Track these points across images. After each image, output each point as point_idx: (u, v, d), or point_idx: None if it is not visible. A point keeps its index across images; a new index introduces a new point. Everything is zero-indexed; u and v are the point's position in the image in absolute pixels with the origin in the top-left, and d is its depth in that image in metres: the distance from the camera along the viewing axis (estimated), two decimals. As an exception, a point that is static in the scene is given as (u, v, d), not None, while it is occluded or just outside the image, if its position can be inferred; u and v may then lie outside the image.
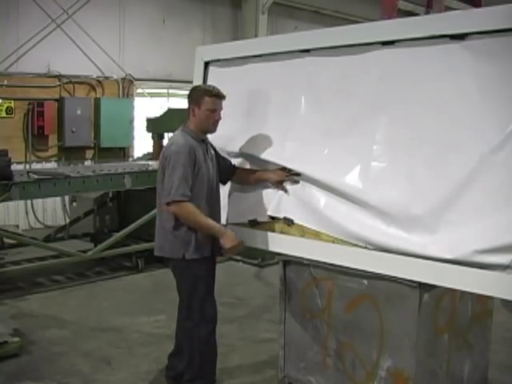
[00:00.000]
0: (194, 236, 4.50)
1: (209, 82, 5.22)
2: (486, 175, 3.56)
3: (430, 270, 3.76)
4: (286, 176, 4.64)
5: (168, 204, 4.40)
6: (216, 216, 4.73)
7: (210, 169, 4.66)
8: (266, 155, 4.80)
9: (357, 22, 4.93)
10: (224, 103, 4.60)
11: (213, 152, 4.81)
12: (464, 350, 4.55)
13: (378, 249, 4.05)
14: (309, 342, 4.63)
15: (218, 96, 4.57)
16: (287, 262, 4.71)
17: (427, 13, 8.35)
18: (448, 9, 8.31)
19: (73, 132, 12.31)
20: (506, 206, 3.47)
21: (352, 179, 4.19)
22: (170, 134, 11.10)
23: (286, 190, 4.66)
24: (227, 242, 4.49)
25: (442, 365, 4.31)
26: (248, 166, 5.00)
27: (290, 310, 4.78)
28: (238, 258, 9.25)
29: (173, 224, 4.50)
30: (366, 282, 4.20)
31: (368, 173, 4.12)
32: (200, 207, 4.48)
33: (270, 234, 4.73)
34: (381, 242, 4.03)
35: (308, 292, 4.59)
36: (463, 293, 4.06)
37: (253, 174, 4.89)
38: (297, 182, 4.60)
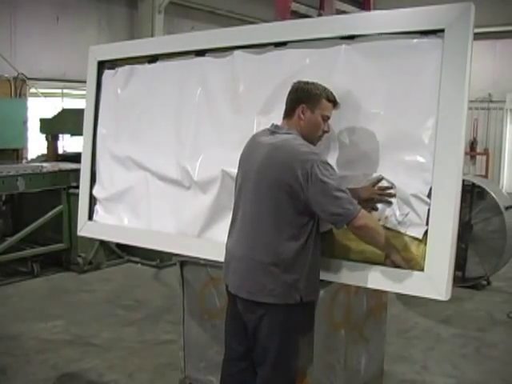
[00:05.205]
0: (306, 270, 3.48)
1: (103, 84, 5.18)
2: None
3: (329, 266, 3.81)
4: (377, 194, 3.66)
5: (351, 221, 3.30)
6: None
7: None
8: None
9: (251, 23, 4.96)
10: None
11: None
12: (360, 344, 4.65)
13: None
14: (208, 342, 4.64)
15: (335, 103, 3.59)
16: (184, 262, 4.70)
17: (319, 15, 8.53)
18: (339, 12, 8.52)
19: (-39, 133, 11.83)
20: None
21: None
22: (66, 136, 11.04)
23: (376, 209, 3.68)
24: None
25: (340, 359, 4.38)
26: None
27: (189, 310, 4.77)
28: (137, 259, 9.22)
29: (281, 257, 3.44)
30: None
31: None
32: None
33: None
34: None
35: (206, 292, 4.60)
36: (358, 288, 4.15)
37: None
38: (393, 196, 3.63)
